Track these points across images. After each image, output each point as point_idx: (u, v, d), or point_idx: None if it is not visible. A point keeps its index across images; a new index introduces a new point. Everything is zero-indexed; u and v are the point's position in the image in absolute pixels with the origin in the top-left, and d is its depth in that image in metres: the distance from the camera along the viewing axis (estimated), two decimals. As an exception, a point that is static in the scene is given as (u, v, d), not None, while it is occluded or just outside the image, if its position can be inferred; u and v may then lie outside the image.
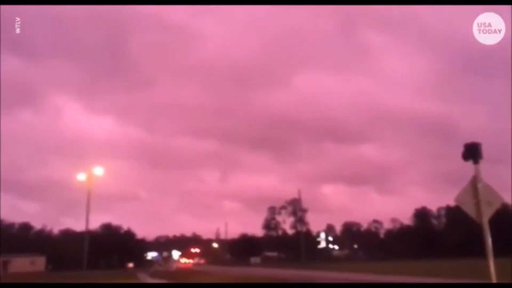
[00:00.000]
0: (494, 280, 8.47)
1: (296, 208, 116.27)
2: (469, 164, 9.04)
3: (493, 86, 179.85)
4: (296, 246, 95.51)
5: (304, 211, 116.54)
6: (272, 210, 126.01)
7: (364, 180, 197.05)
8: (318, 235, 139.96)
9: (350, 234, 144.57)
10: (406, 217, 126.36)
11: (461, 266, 42.22)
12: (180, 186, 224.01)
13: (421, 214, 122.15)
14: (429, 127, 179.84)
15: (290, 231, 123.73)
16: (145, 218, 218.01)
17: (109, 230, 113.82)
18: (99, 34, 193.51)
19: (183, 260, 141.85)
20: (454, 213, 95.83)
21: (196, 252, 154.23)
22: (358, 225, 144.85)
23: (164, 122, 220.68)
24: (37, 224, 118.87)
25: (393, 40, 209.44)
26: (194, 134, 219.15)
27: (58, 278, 44.82)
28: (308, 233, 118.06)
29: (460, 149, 9.15)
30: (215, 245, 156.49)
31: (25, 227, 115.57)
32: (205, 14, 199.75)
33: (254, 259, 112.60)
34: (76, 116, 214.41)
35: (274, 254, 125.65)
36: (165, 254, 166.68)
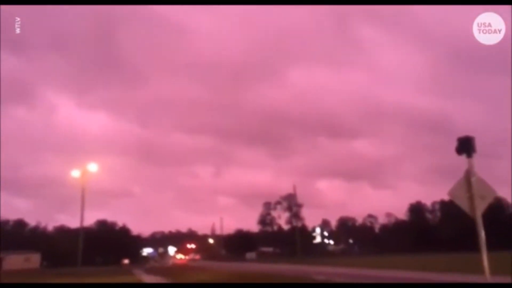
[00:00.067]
0: (487, 273, 8.49)
1: (291, 203, 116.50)
2: (464, 158, 9.03)
3: (488, 82, 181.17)
4: (292, 241, 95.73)
5: (299, 206, 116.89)
6: (268, 206, 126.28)
7: (359, 175, 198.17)
8: (313, 230, 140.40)
9: (346, 229, 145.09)
10: (401, 212, 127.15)
11: (456, 260, 42.47)
12: (175, 182, 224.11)
13: (416, 209, 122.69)
14: (423, 122, 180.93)
15: (285, 227, 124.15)
16: (141, 214, 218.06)
17: (104, 227, 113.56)
18: (92, 29, 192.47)
19: (179, 256, 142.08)
20: (448, 208, 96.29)
21: (191, 248, 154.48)
22: (353, 220, 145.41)
23: (158, 117, 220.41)
24: (31, 221, 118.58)
25: (388, 35, 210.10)
26: (188, 129, 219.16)
27: (53, 274, 44.74)
28: (303, 228, 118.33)
29: (455, 144, 9.14)
30: (210, 240, 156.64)
31: (20, 224, 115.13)
32: (199, 10, 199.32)
33: (250, 255, 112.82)
34: (70, 112, 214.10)
35: (269, 249, 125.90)
36: (160, 250, 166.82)
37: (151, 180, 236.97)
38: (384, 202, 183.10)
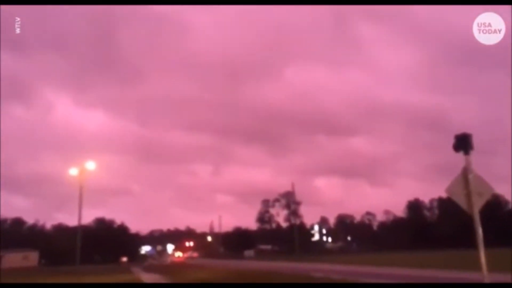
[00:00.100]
0: (485, 270, 8.50)
1: (290, 201, 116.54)
2: (461, 155, 9.04)
3: (485, 79, 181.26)
4: (290, 239, 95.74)
5: (298, 204, 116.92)
6: (266, 203, 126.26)
7: (357, 172, 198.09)
8: (311, 227, 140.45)
9: (344, 227, 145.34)
10: (399, 209, 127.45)
11: (454, 257, 42.58)
12: (173, 180, 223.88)
13: (414, 206, 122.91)
14: (421, 119, 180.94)
15: (283, 224, 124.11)
16: (139, 212, 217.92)
17: (102, 225, 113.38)
18: (90, 28, 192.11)
19: (177, 254, 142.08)
20: (446, 205, 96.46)
21: (190, 246, 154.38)
22: (351, 217, 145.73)
23: (156, 115, 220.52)
24: (29, 219, 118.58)
25: (386, 33, 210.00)
26: (186, 128, 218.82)
27: (52, 273, 44.72)
28: (301, 226, 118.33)
29: (452, 141, 9.14)
30: (209, 238, 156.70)
31: (18, 222, 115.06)
32: (198, 8, 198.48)
33: (248, 252, 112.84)
34: (68, 110, 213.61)
35: (268, 247, 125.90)
36: (159, 248, 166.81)
37: (150, 178, 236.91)
38: (382, 199, 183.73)
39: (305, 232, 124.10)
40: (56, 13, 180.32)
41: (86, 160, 42.79)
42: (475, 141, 9.00)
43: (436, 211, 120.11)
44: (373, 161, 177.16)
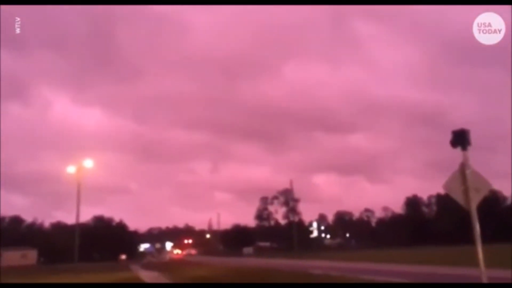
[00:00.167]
0: (482, 266, 8.50)
1: (288, 198, 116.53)
2: (459, 151, 9.02)
3: (485, 77, 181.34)
4: (289, 236, 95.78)
5: (296, 201, 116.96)
6: (264, 201, 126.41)
7: (355, 169, 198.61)
8: (310, 224, 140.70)
9: (342, 223, 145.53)
10: (397, 206, 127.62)
11: (452, 253, 42.69)
12: (171, 177, 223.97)
13: (412, 203, 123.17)
14: (419, 116, 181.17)
15: (282, 221, 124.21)
16: (137, 210, 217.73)
17: (101, 223, 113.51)
18: (89, 27, 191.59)
19: (176, 251, 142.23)
20: (444, 201, 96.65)
21: (189, 243, 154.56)
22: (350, 214, 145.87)
23: (154, 113, 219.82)
24: (28, 218, 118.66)
25: (384, 31, 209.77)
26: (185, 125, 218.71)
27: (51, 271, 44.69)
28: (300, 223, 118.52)
29: (450, 137, 9.12)
30: (207, 236, 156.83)
31: (16, 221, 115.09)
32: (196, 7, 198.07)
33: (247, 250, 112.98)
34: (65, 108, 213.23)
35: (266, 244, 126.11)
36: (157, 245, 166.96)
37: (148, 176, 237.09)
38: (381, 196, 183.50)
39: (304, 229, 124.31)
40: (56, 13, 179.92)
41: (84, 158, 42.85)
42: (474, 137, 8.98)
43: (435, 208, 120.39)
44: (372, 158, 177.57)
